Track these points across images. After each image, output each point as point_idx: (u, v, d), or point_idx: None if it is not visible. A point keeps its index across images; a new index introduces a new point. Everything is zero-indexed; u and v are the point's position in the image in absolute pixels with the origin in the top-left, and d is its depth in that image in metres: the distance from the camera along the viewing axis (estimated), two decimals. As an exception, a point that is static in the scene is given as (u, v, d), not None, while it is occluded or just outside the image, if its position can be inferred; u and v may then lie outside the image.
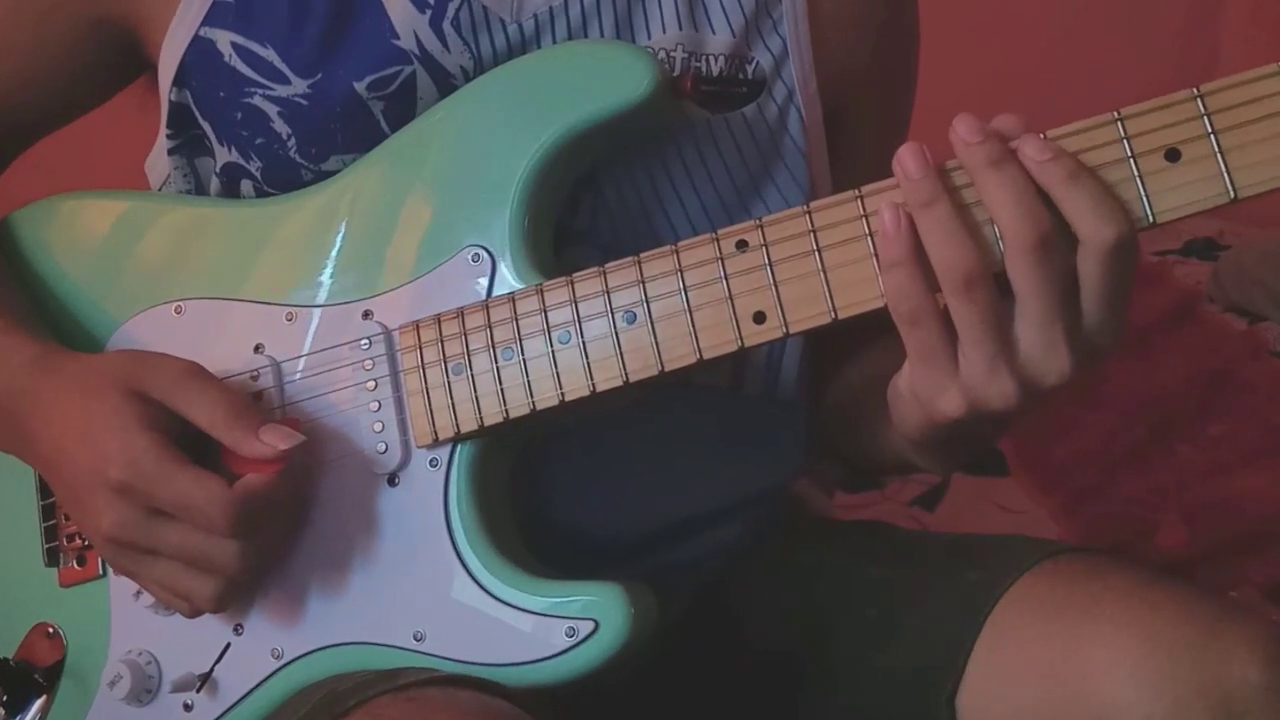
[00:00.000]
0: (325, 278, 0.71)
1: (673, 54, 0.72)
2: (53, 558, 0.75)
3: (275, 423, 0.64)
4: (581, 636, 0.63)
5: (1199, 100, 0.55)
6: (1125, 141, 0.56)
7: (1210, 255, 1.99)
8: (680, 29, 0.72)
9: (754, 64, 0.73)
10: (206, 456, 0.64)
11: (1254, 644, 0.63)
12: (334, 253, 0.71)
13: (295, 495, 0.66)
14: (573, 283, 0.65)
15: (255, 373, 0.70)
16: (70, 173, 0.88)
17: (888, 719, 0.73)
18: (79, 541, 0.74)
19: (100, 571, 0.73)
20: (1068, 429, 1.54)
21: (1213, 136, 0.55)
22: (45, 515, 0.75)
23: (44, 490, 0.76)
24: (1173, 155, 0.55)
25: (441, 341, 0.67)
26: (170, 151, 0.77)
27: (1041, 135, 0.56)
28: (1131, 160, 0.55)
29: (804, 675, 0.77)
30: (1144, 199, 0.55)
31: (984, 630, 0.69)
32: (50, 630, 0.74)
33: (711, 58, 0.73)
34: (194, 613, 0.66)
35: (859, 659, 0.75)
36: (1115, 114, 0.56)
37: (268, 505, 0.63)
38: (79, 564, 0.74)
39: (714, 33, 0.73)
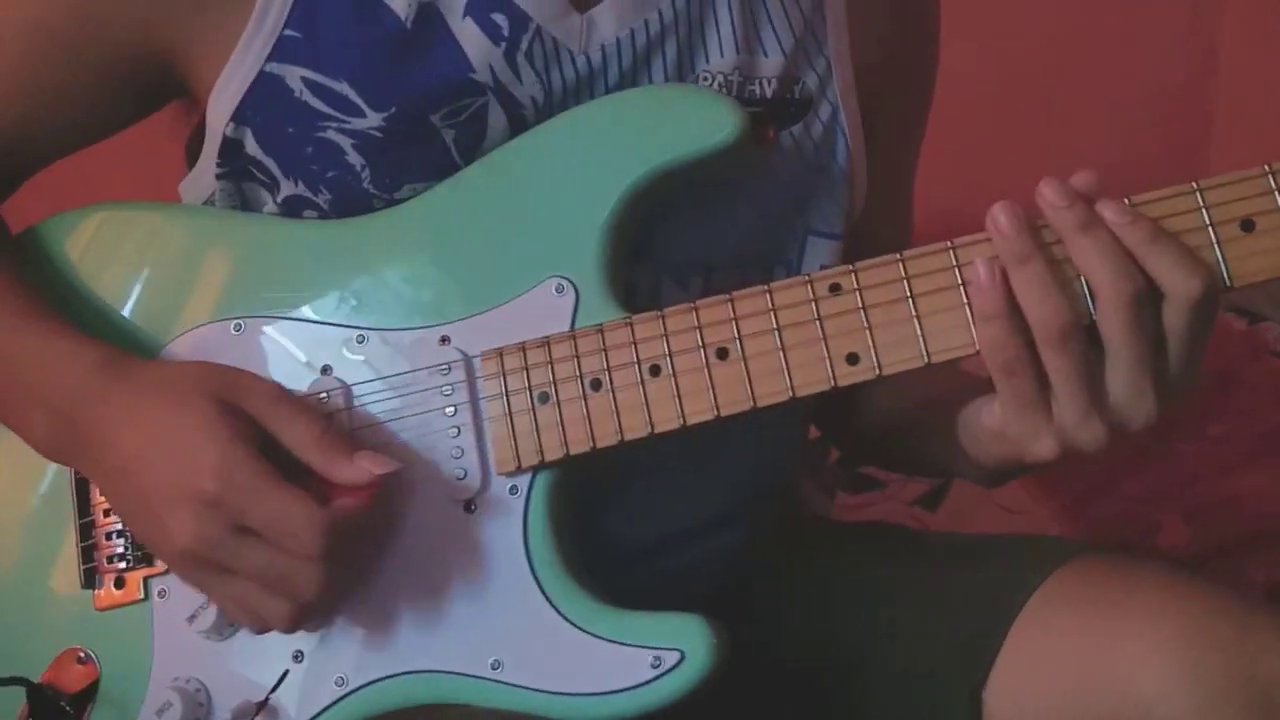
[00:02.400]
0: (398, 301, 0.71)
1: (730, 78, 0.74)
2: (89, 580, 0.72)
3: (367, 449, 0.64)
4: (667, 667, 0.63)
5: (1269, 177, 0.60)
6: (1204, 210, 0.61)
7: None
8: (737, 54, 0.74)
9: (801, 84, 0.76)
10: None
11: None
12: (408, 277, 0.71)
13: (380, 522, 0.66)
14: (664, 317, 0.67)
15: (323, 395, 0.69)
16: (73, 188, 0.85)
17: (913, 714, 0.74)
18: (118, 564, 0.71)
19: (141, 595, 0.71)
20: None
21: (1285, 210, 0.60)
22: (83, 535, 0.72)
23: (81, 508, 0.73)
24: (1247, 225, 0.60)
25: (527, 369, 0.67)
26: (219, 177, 0.75)
27: (1125, 200, 0.61)
28: (1210, 228, 0.60)
29: (830, 687, 0.78)
30: (1222, 264, 0.60)
31: (1015, 624, 0.71)
32: (82, 655, 0.71)
33: (765, 80, 0.75)
34: (263, 631, 0.65)
35: (882, 661, 0.76)
36: (1194, 184, 0.61)
37: (359, 530, 0.62)
38: (117, 587, 0.72)
39: (766, 55, 0.75)
